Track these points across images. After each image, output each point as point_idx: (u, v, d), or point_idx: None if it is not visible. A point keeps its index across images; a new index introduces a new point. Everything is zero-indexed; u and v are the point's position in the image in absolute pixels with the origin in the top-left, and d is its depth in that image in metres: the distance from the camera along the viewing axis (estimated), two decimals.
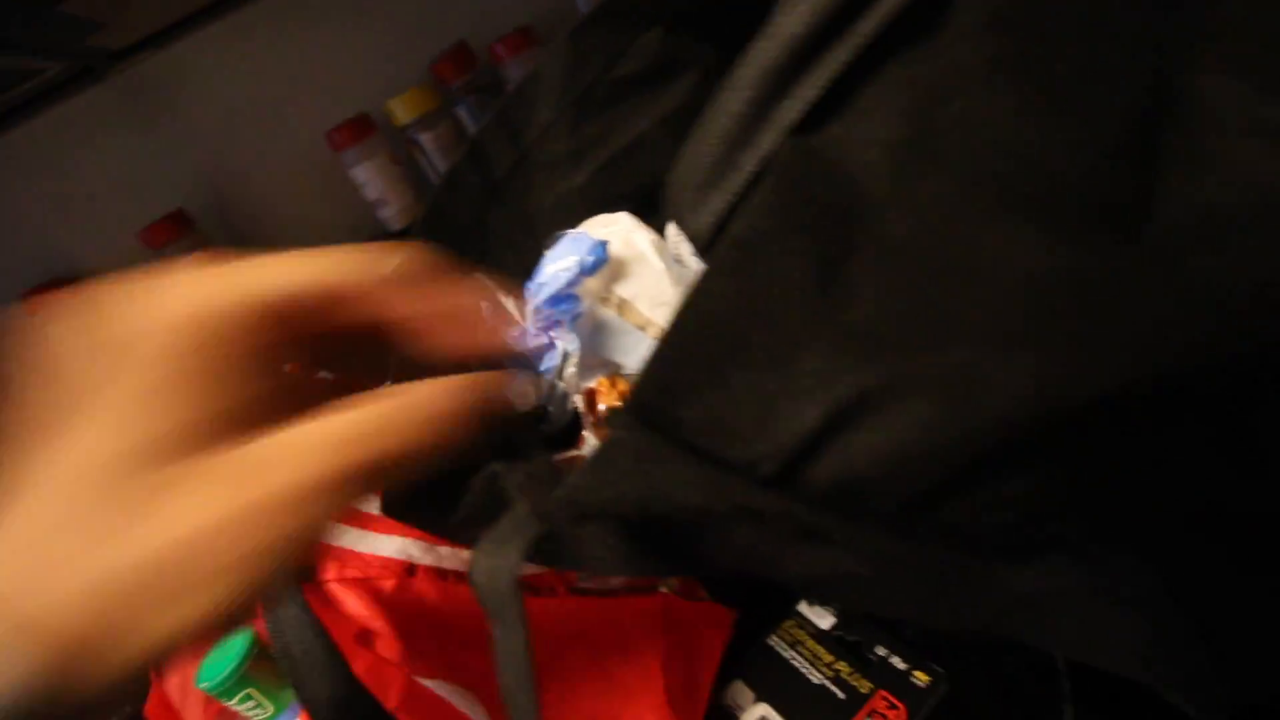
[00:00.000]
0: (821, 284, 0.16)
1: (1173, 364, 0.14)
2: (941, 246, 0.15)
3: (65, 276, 0.79)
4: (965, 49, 0.16)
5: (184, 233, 0.73)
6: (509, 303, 0.19)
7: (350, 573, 0.32)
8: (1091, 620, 0.19)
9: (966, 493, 0.16)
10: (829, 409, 0.16)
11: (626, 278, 0.34)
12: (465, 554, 0.35)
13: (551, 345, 0.34)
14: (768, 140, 0.19)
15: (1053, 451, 0.16)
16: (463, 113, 0.75)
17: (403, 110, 0.73)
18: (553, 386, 0.34)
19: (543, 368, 0.35)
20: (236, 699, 0.40)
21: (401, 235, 0.77)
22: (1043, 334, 0.15)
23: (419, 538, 0.34)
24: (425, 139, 0.73)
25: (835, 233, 0.16)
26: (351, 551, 0.33)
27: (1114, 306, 0.14)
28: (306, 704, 0.28)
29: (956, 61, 0.16)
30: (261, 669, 0.41)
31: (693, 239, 0.27)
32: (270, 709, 0.41)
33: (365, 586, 0.32)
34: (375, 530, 0.35)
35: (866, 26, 0.17)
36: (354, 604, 0.32)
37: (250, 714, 0.41)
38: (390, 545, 0.34)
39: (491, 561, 0.18)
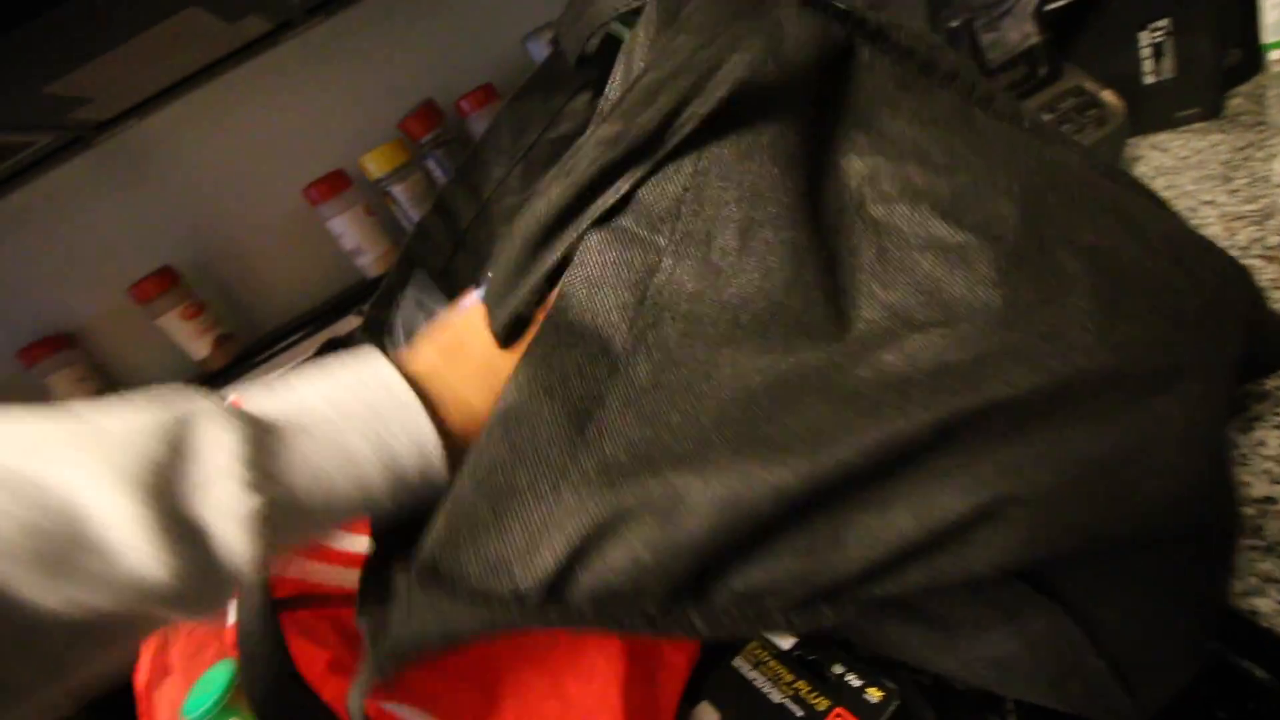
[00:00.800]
0: (575, 431, 0.20)
1: (870, 446, 0.18)
2: (677, 378, 0.19)
3: (60, 332, 0.83)
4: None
5: (171, 287, 0.77)
6: None
7: (320, 607, 0.36)
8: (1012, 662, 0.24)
9: (706, 589, 0.19)
10: (572, 539, 0.19)
11: None
12: None
13: None
14: (541, 270, 0.23)
15: (781, 543, 0.19)
16: (432, 164, 0.79)
17: (375, 165, 0.77)
18: None
19: None
20: None
21: (377, 282, 0.81)
22: (740, 439, 0.18)
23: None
24: (397, 190, 0.78)
25: (585, 389, 0.20)
26: (321, 584, 0.37)
27: (815, 398, 0.18)
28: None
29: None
30: (244, 700, 0.44)
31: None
32: None
33: (334, 619, 0.35)
34: (341, 565, 0.38)
35: (605, 201, 0.22)
36: (326, 635, 0.35)
37: None
38: (341, 575, 0.37)
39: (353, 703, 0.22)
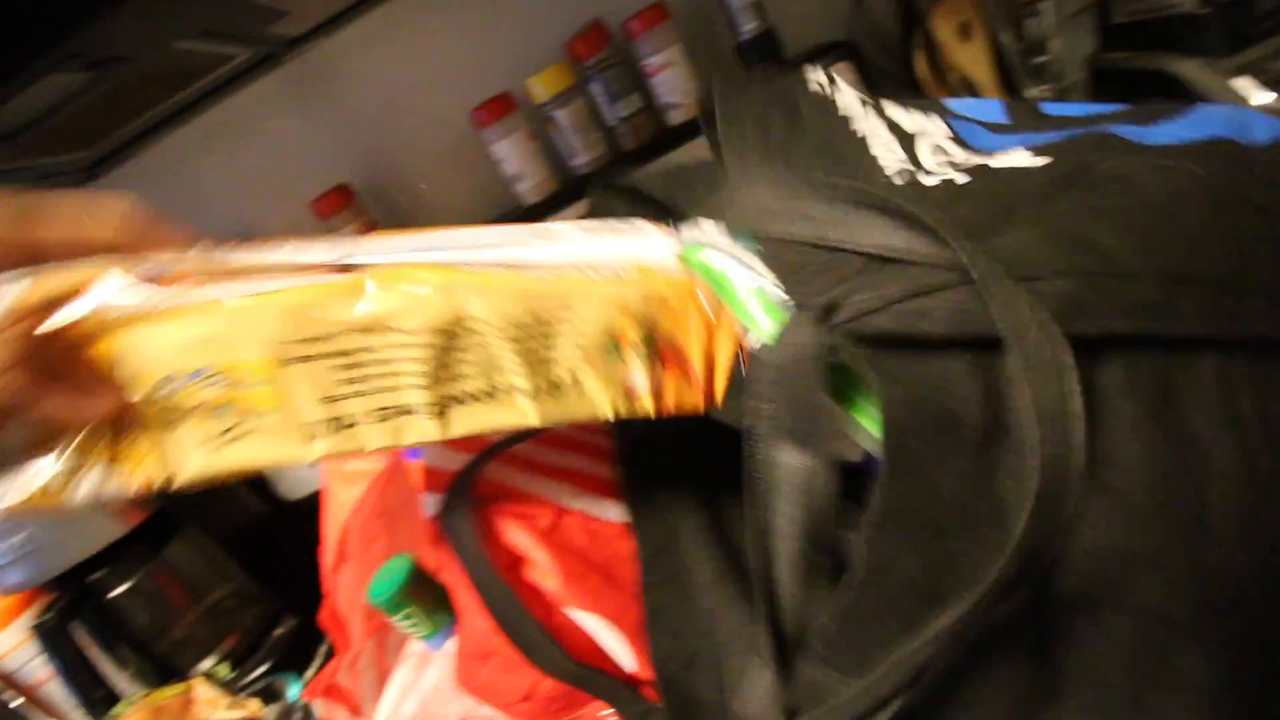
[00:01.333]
0: None
1: None
2: None
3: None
4: None
5: (347, 204, 0.81)
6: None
7: (512, 507, 0.36)
8: None
9: None
10: None
11: None
12: (608, 503, 0.38)
13: None
14: None
15: None
16: (596, 89, 0.77)
17: (540, 88, 0.76)
18: None
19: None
20: (399, 615, 0.46)
21: (534, 209, 0.81)
22: None
23: (568, 480, 0.37)
24: (560, 115, 0.77)
25: None
26: (513, 488, 0.37)
27: None
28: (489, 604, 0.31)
29: None
30: (421, 592, 0.46)
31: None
32: (427, 628, 0.46)
33: (525, 520, 0.35)
34: (534, 473, 0.38)
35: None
36: (515, 535, 0.35)
37: (409, 630, 0.47)
38: (545, 487, 0.37)
39: None
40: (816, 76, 0.37)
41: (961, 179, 0.30)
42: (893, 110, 0.36)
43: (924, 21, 0.72)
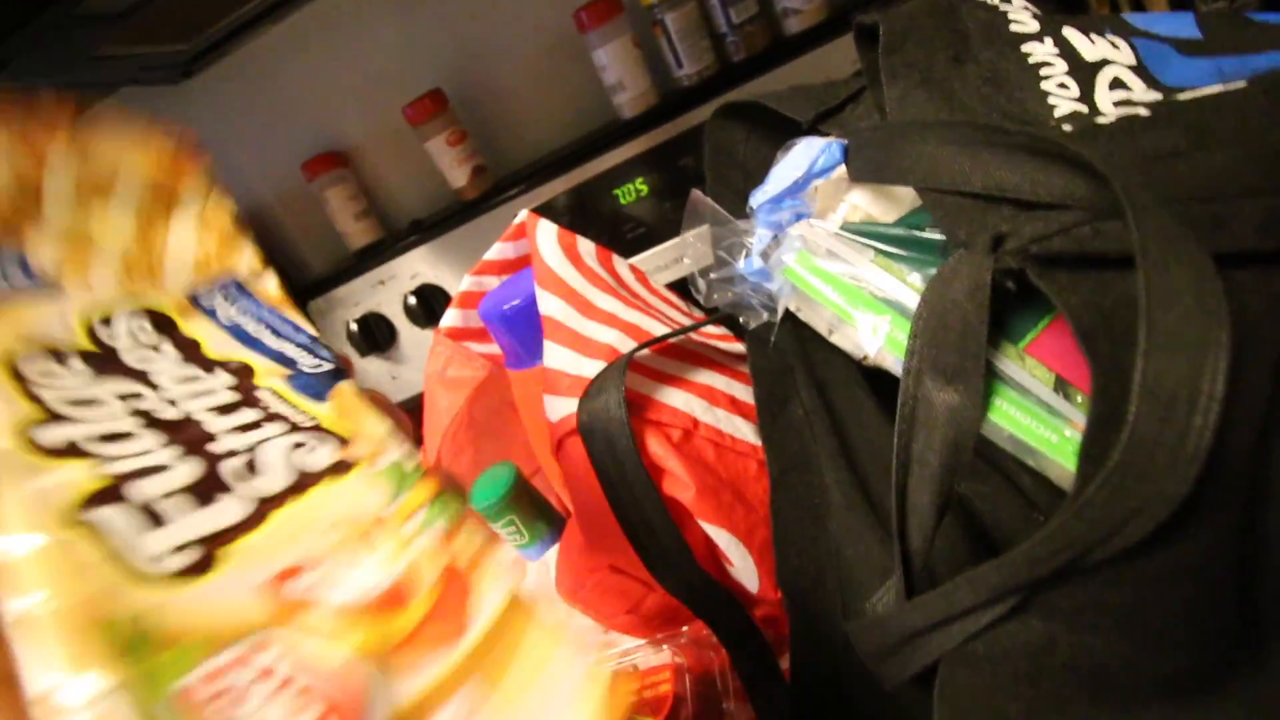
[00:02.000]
0: None
1: None
2: None
3: (336, 149, 0.87)
4: None
5: (440, 111, 0.78)
6: None
7: (648, 414, 0.33)
8: None
9: None
10: None
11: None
12: (739, 420, 0.35)
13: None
14: None
15: None
16: None
17: None
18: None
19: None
20: (501, 523, 0.45)
21: (632, 124, 0.77)
22: None
23: (702, 395, 0.35)
24: (670, 19, 0.71)
25: None
26: (649, 398, 0.34)
27: None
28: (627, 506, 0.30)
29: None
30: (522, 502, 0.45)
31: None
32: (526, 537, 0.45)
33: (661, 430, 0.33)
34: (668, 384, 0.35)
35: None
36: (653, 443, 0.33)
37: (510, 538, 0.45)
38: (679, 399, 0.34)
39: None
40: None
41: (1144, 113, 0.27)
42: (1071, 33, 0.32)
43: None
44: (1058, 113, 0.29)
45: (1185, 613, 0.19)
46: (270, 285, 0.29)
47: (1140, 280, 0.19)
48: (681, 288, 0.49)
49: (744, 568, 0.31)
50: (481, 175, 0.82)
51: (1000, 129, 0.26)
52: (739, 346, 0.41)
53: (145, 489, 0.17)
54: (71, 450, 0.17)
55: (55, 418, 0.18)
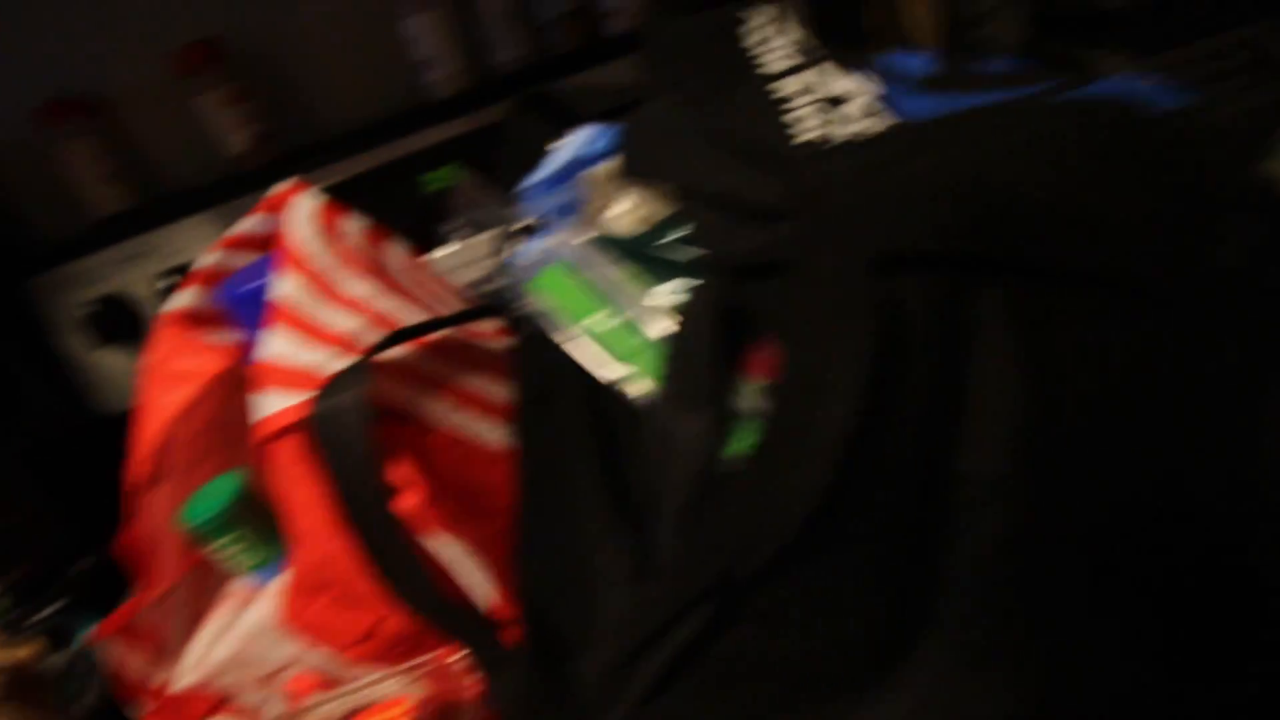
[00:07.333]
0: None
1: None
2: None
3: (81, 95, 0.73)
4: None
5: (215, 63, 0.68)
6: None
7: (388, 414, 0.29)
8: None
9: None
10: None
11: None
12: (490, 424, 0.32)
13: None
14: None
15: None
16: None
17: None
18: None
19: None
20: (221, 542, 0.37)
21: (444, 105, 0.71)
22: None
23: (450, 395, 0.31)
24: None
25: None
26: (391, 396, 0.30)
27: None
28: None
29: None
30: (249, 517, 0.38)
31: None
32: (253, 559, 0.39)
33: (397, 432, 0.29)
34: (414, 382, 0.31)
35: None
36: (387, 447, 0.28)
37: (230, 561, 0.38)
38: (423, 399, 0.30)
39: None
40: (761, 18, 0.35)
41: (875, 132, 0.31)
42: (829, 67, 0.35)
43: None
44: (801, 136, 0.31)
45: (857, 605, 0.20)
46: None
47: (791, 283, 0.21)
48: None
49: (477, 581, 0.28)
50: (267, 143, 0.73)
51: (735, 138, 0.29)
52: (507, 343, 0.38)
53: None
54: None
55: None
